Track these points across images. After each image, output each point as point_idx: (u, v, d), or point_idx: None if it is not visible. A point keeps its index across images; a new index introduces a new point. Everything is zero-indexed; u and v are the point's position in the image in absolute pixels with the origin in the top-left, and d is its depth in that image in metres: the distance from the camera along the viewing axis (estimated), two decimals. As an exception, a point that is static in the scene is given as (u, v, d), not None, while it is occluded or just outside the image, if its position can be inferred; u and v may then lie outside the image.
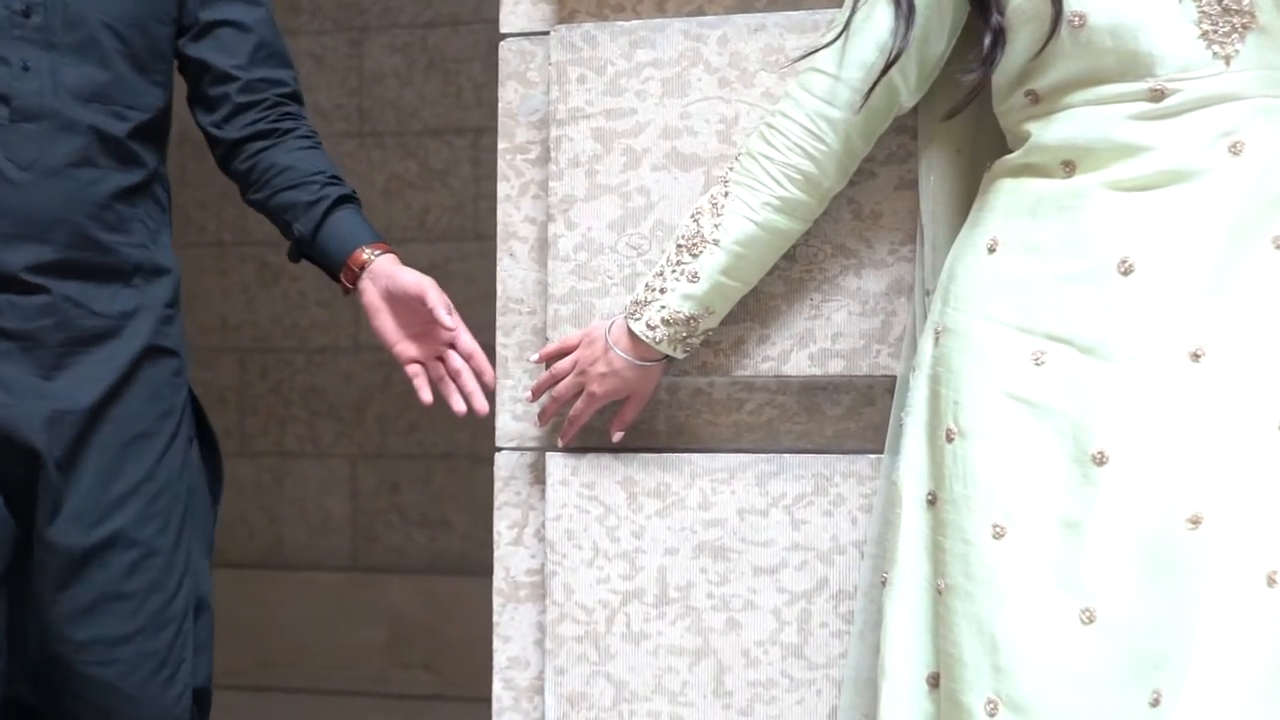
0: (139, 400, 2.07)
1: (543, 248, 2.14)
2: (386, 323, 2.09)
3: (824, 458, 2.03)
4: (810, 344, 2.03)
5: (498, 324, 2.17)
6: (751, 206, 1.89)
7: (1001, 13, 1.73)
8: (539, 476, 2.15)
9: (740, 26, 2.06)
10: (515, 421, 2.15)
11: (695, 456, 2.06)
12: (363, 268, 2.09)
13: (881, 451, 1.95)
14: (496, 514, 2.18)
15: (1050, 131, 1.72)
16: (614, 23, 2.11)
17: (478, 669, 5.20)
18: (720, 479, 2.05)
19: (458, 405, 2.09)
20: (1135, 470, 1.63)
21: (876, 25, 1.81)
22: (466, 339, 2.07)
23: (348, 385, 5.56)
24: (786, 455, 2.04)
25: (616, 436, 2.02)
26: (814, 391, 2.06)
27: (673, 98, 2.07)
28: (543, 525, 2.14)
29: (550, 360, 2.03)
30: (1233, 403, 1.62)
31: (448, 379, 2.10)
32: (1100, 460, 1.63)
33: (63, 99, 2.00)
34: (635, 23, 2.10)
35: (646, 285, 1.94)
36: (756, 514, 2.04)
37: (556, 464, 2.10)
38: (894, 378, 1.98)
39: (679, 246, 1.92)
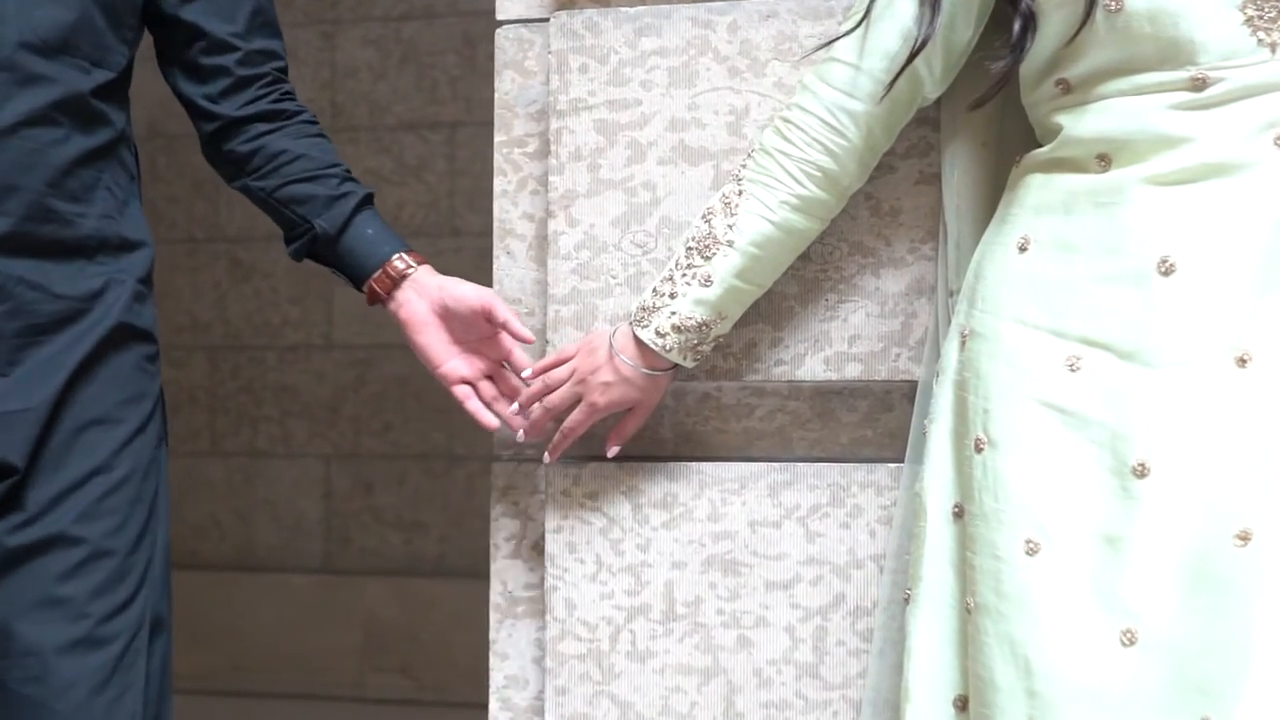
0: (100, 384, 1.83)
1: (542, 246, 2.04)
2: (434, 339, 1.92)
3: (840, 466, 1.94)
4: (825, 347, 1.93)
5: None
6: (768, 205, 1.78)
7: None
8: (538, 486, 2.05)
9: (751, 13, 1.96)
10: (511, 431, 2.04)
11: (704, 465, 1.96)
12: (401, 277, 1.93)
13: (900, 460, 1.85)
14: (493, 525, 2.07)
15: (1084, 123, 1.63)
16: (617, 9, 2.01)
17: (454, 673, 5.13)
18: (730, 489, 1.95)
19: (521, 430, 1.94)
20: (1179, 483, 1.53)
21: (900, 11, 1.71)
22: (522, 355, 1.94)
23: (320, 384, 5.46)
24: (800, 464, 1.95)
25: (612, 451, 1.91)
26: (829, 397, 1.96)
27: (680, 88, 1.97)
28: (542, 537, 2.04)
29: (543, 374, 1.91)
30: None
31: (503, 399, 1.95)
32: (1142, 472, 1.54)
33: (22, 49, 1.76)
34: (640, 9, 2.00)
35: (654, 290, 1.83)
36: (769, 526, 1.94)
37: (557, 473, 1.99)
38: (913, 383, 1.89)
39: (689, 249, 1.81)
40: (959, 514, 1.66)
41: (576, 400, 1.88)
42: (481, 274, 2.05)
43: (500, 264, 2.05)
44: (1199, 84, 1.56)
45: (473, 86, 5.30)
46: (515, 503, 2.06)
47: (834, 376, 1.93)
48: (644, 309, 1.83)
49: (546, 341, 1.99)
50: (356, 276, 1.95)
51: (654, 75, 1.98)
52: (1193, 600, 1.52)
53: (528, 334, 1.90)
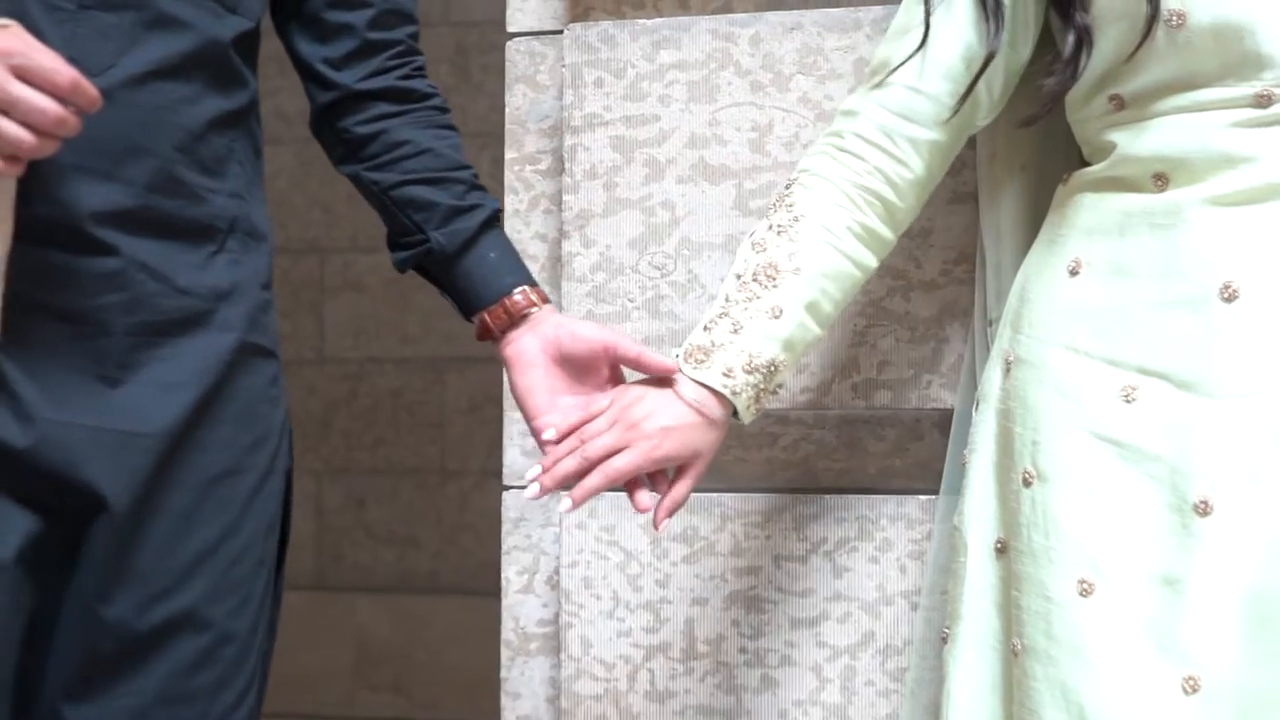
0: (230, 422, 1.56)
1: (555, 267, 1.96)
2: (538, 382, 1.61)
3: (868, 498, 1.86)
4: (853, 374, 1.85)
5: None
6: (833, 232, 1.59)
7: (1086, 10, 1.53)
8: (551, 518, 1.97)
9: (774, 25, 1.88)
10: (525, 457, 1.96)
11: (726, 497, 1.88)
12: (521, 316, 1.64)
13: (931, 492, 1.77)
14: (504, 559, 1.99)
15: (1140, 142, 1.54)
16: (634, 21, 1.93)
17: (447, 691, 5.06)
18: (754, 522, 1.87)
19: (644, 502, 1.56)
20: (1243, 521, 1.45)
21: (960, 28, 1.59)
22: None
23: (312, 398, 5.38)
24: (827, 496, 1.87)
25: (664, 525, 1.58)
26: (856, 425, 1.88)
27: (700, 103, 1.89)
28: (556, 571, 1.95)
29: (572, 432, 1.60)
30: None
31: None
32: (1204, 510, 1.46)
33: None
34: (658, 21, 1.92)
35: (705, 329, 1.57)
36: (794, 560, 1.86)
37: (572, 505, 1.91)
38: (945, 411, 1.81)
39: (743, 280, 1.58)
40: (1002, 550, 1.58)
41: (616, 450, 1.56)
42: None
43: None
44: (1264, 100, 1.48)
45: (466, 97, 5.22)
46: (528, 535, 1.98)
47: (862, 404, 1.85)
48: (699, 348, 1.57)
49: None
50: (468, 305, 1.68)
51: (673, 90, 1.90)
52: (1257, 645, 1.44)
53: (670, 363, 1.56)
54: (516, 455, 1.97)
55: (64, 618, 1.49)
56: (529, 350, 1.63)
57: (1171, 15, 1.49)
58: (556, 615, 1.95)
